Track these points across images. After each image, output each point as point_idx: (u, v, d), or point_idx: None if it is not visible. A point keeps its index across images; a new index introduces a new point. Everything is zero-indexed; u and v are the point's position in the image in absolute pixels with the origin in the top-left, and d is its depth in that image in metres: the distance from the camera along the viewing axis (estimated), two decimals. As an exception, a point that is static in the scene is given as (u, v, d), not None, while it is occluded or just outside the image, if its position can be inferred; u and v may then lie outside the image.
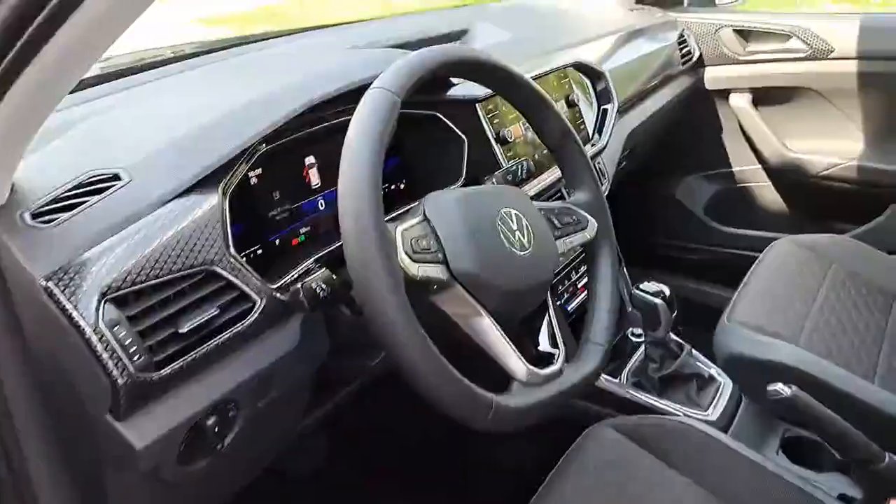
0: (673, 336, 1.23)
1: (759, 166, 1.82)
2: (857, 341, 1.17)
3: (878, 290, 1.30)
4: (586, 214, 0.85)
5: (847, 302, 1.25)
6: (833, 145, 1.69)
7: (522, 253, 0.72)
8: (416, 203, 0.74)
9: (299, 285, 0.68)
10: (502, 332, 0.69)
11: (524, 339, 1.01)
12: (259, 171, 0.79)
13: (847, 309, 1.23)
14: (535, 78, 1.11)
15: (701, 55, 1.74)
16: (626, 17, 1.66)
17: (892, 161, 1.62)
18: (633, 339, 1.28)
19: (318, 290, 0.67)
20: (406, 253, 0.63)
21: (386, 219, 0.62)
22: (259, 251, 0.80)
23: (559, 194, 1.15)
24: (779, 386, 0.90)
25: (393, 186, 0.99)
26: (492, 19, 1.40)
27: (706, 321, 1.79)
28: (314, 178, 0.87)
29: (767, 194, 1.86)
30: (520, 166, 0.95)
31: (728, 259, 1.90)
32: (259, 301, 0.66)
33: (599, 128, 1.24)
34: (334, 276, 0.70)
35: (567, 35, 1.39)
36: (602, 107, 1.26)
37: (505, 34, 1.25)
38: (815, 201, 1.79)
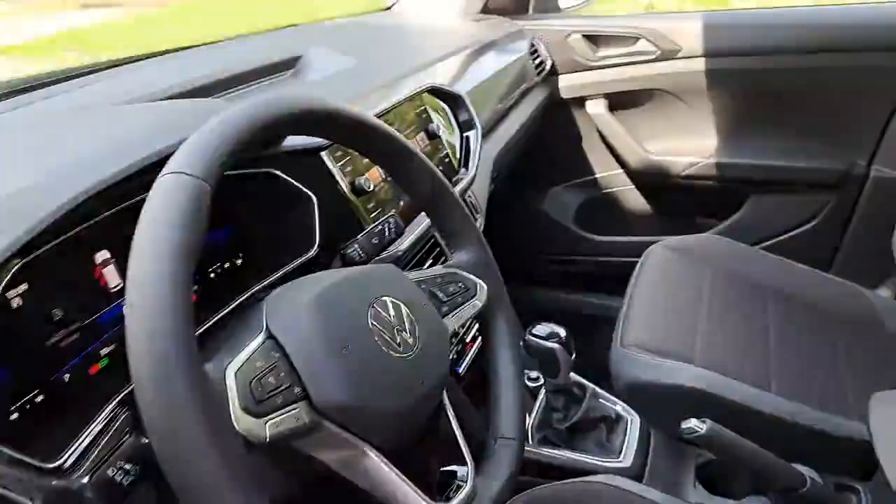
0: (574, 376, 1.13)
1: (622, 171, 1.79)
2: (746, 345, 1.15)
3: (752, 285, 1.30)
4: (473, 278, 0.70)
5: (728, 303, 1.23)
6: (691, 144, 1.69)
7: (408, 355, 0.55)
8: (251, 294, 0.54)
9: (86, 479, 0.46)
10: (393, 468, 0.52)
11: (420, 457, 0.83)
12: (23, 287, 0.56)
13: (730, 311, 1.21)
14: (389, 110, 0.94)
15: (553, 64, 1.67)
16: (473, 30, 1.54)
17: (746, 155, 1.64)
18: (531, 383, 1.16)
19: (117, 478, 0.46)
20: (245, 407, 0.43)
21: (208, 324, 0.43)
22: (40, 398, 0.57)
23: (433, 240, 1.00)
24: (693, 423, 0.83)
25: (227, 264, 0.78)
26: (328, 42, 1.21)
27: (591, 330, 1.74)
28: (111, 278, 0.64)
29: (633, 198, 1.83)
30: (386, 224, 0.78)
31: (603, 267, 1.87)
32: None
33: (465, 159, 1.10)
34: (145, 439, 0.49)
35: (415, 55, 1.24)
36: (465, 134, 1.12)
37: (345, 60, 1.07)
38: (680, 201, 1.78)
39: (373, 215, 0.85)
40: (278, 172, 0.75)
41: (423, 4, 1.66)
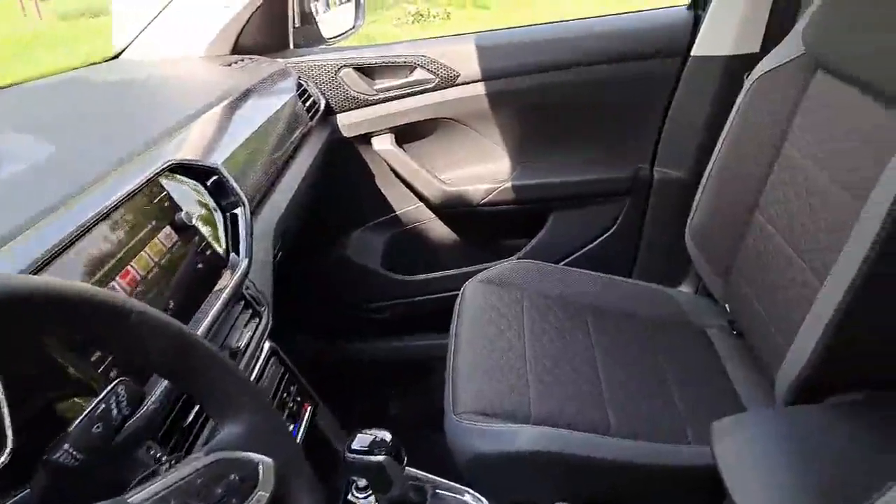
0: (410, 471, 0.97)
1: (422, 205, 1.68)
2: (578, 379, 1.09)
3: (569, 306, 1.28)
4: (252, 456, 0.51)
5: (550, 332, 1.18)
6: (486, 170, 1.62)
7: None
8: None
9: None
10: None
11: None
12: None
13: (553, 340, 1.16)
14: (106, 214, 0.70)
15: (328, 102, 1.50)
16: (225, 76, 1.30)
17: (541, 174, 1.61)
18: (359, 495, 0.98)
19: None
20: None
21: None
22: None
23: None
24: None
25: None
26: (23, 116, 0.92)
27: (419, 376, 1.62)
28: None
29: (438, 231, 1.73)
30: (114, 396, 0.54)
31: (420, 307, 1.75)
32: None
33: (234, 244, 0.88)
34: None
35: (148, 122, 0.98)
36: (229, 213, 0.90)
37: (41, 147, 0.79)
38: (486, 228, 1.71)
39: (94, 382, 0.61)
40: None
41: (160, 49, 1.39)
